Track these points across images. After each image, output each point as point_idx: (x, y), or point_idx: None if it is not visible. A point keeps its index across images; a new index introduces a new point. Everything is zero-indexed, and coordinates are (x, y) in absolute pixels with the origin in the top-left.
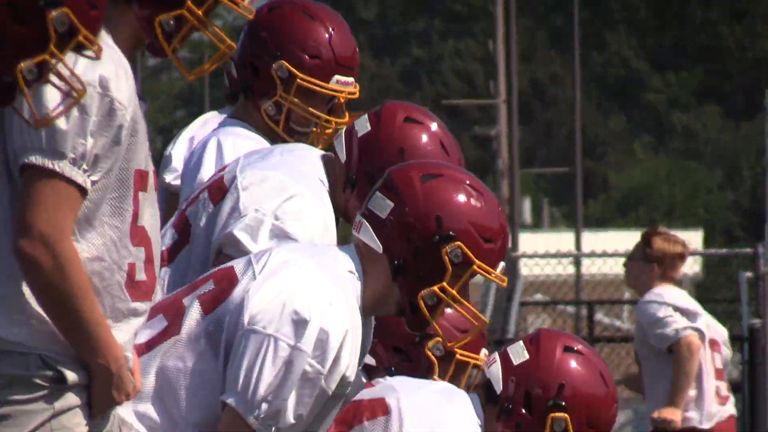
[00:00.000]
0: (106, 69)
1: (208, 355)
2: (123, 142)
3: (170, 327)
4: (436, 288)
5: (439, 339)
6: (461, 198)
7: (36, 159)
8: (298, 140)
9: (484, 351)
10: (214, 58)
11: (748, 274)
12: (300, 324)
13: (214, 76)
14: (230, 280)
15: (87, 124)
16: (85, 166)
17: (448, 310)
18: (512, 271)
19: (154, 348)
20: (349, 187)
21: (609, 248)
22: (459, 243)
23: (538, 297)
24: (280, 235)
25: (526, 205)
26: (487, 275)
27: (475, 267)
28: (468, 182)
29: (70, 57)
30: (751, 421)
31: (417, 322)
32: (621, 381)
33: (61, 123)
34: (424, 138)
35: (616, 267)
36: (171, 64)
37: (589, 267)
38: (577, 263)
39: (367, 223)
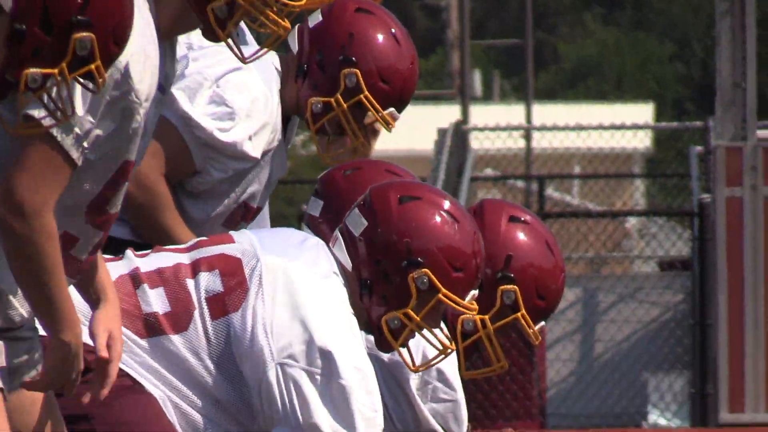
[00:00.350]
0: (136, 58)
1: (204, 355)
2: (127, 133)
3: (174, 316)
4: (399, 313)
5: (426, 271)
6: (435, 223)
7: (38, 113)
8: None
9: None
10: (269, 41)
11: (699, 148)
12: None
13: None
14: (240, 283)
15: (99, 105)
16: (86, 144)
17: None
18: (462, 145)
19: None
20: (300, 76)
21: (560, 121)
22: (426, 270)
23: (489, 172)
24: (219, 102)
25: (477, 78)
26: (454, 305)
27: (440, 296)
28: (446, 207)
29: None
30: (701, 297)
31: (383, 343)
32: None
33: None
34: (375, 25)
35: (566, 141)
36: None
37: (540, 140)
38: (528, 137)
39: (341, 239)
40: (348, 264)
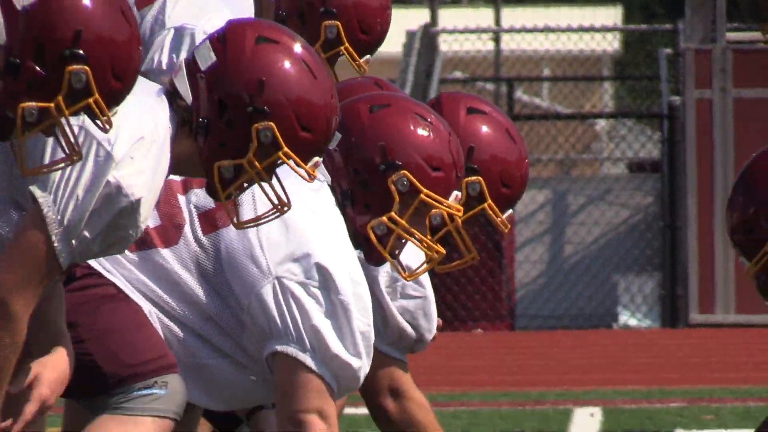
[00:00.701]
0: (153, 196)
1: (194, 269)
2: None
3: (164, 230)
4: (384, 218)
5: (405, 172)
6: (408, 127)
7: (37, 193)
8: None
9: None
10: (268, 213)
11: (668, 50)
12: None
13: None
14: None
15: (101, 224)
16: (73, 241)
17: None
18: (431, 47)
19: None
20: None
21: (528, 24)
22: (405, 172)
23: (457, 74)
24: None
25: None
26: (438, 204)
27: (422, 195)
28: (416, 112)
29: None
30: (671, 199)
31: (372, 253)
32: None
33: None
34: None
35: (535, 43)
36: None
37: (509, 43)
38: (497, 39)
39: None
40: (327, 179)
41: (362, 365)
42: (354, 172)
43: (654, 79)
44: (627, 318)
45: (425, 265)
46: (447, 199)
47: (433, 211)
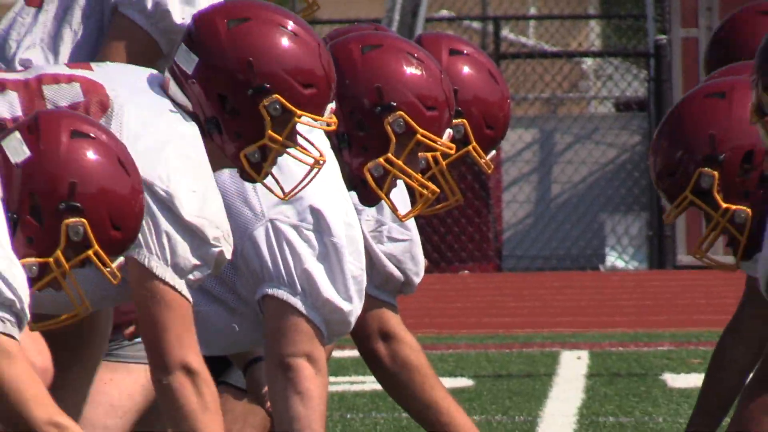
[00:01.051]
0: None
1: None
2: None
3: None
4: (381, 159)
5: (401, 113)
6: (402, 67)
7: (138, 256)
8: None
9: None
10: (308, 173)
11: None
12: None
13: None
14: None
15: (207, 252)
16: (190, 276)
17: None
18: None
19: None
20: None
21: None
22: (401, 113)
23: (444, 13)
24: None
25: None
26: (432, 143)
27: (418, 135)
28: (408, 51)
29: None
30: None
31: (368, 195)
32: None
33: None
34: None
35: None
36: None
37: None
38: None
39: None
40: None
41: (353, 309)
42: (349, 115)
43: (640, 18)
44: (614, 259)
45: (419, 205)
46: (441, 138)
47: (419, 154)
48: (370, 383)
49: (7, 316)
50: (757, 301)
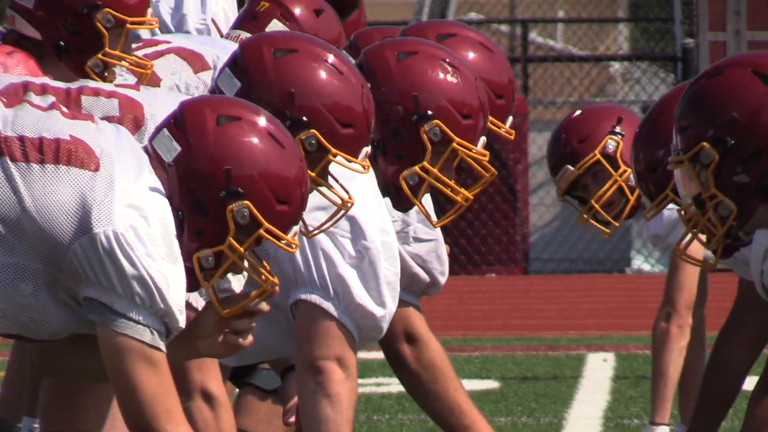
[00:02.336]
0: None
1: None
2: None
3: None
4: (417, 168)
5: (437, 122)
6: (437, 75)
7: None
8: None
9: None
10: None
11: None
12: None
13: None
14: None
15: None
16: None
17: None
18: None
19: None
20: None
21: None
22: (437, 121)
23: (472, 16)
24: None
25: None
26: (468, 152)
27: (454, 144)
28: (445, 58)
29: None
30: None
31: (401, 201)
32: None
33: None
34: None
35: None
36: None
37: None
38: None
39: None
40: None
41: (386, 314)
42: (384, 123)
43: (668, 21)
44: (640, 263)
45: (452, 212)
46: (476, 145)
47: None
48: (396, 385)
49: (157, 326)
50: (750, 300)
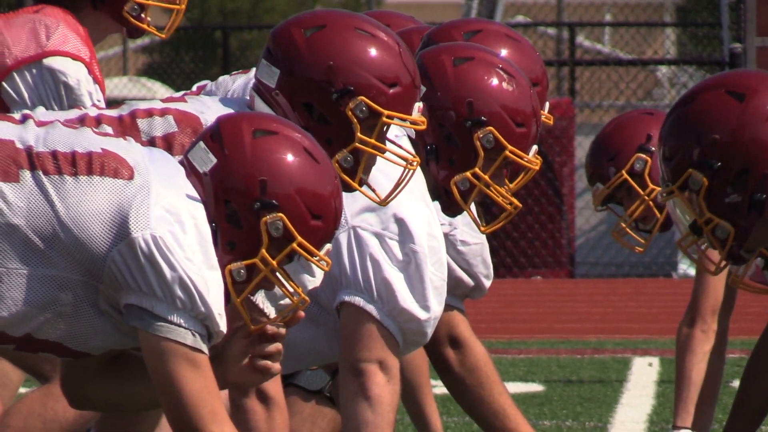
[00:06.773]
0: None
1: None
2: None
3: None
4: (468, 174)
5: (491, 129)
6: (493, 82)
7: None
8: None
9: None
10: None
11: None
12: None
13: None
14: None
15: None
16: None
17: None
18: None
19: None
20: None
21: None
22: (491, 128)
23: (519, 19)
24: None
25: None
26: (520, 160)
27: (507, 152)
28: (500, 65)
29: None
30: None
31: (450, 206)
32: None
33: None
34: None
35: None
36: None
37: None
38: None
39: None
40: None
41: (431, 319)
42: (438, 127)
43: (716, 26)
44: (687, 267)
45: (502, 219)
46: (528, 153)
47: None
48: (440, 387)
49: (199, 329)
50: None
